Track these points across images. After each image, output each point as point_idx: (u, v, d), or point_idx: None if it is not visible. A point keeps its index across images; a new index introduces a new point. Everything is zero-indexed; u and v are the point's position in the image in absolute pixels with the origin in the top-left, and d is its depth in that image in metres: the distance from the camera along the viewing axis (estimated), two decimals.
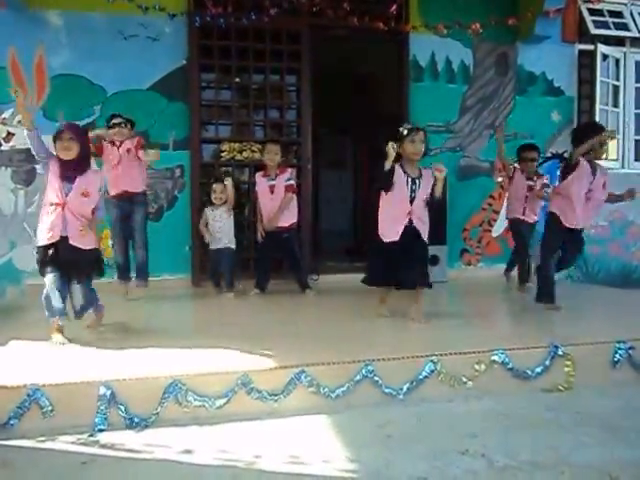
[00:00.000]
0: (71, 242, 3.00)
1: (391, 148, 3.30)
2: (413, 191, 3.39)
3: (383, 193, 3.47)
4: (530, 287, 4.68)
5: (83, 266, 3.08)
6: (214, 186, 4.51)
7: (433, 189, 3.42)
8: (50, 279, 2.98)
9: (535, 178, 4.78)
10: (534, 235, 5.00)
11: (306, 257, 5.17)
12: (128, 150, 4.20)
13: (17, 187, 4.86)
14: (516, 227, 4.90)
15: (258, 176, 4.65)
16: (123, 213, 4.30)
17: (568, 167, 3.83)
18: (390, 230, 3.44)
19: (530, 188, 4.74)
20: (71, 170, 3.01)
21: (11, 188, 4.85)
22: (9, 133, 4.83)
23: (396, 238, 3.40)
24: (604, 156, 3.99)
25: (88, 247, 3.08)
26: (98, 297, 3.28)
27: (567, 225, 3.81)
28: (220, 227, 4.49)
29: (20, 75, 4.82)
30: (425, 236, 3.48)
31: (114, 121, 4.23)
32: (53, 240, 2.98)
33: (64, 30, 4.89)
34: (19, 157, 4.82)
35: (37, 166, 4.75)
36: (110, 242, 4.55)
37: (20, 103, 3.06)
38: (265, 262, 4.78)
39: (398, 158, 3.41)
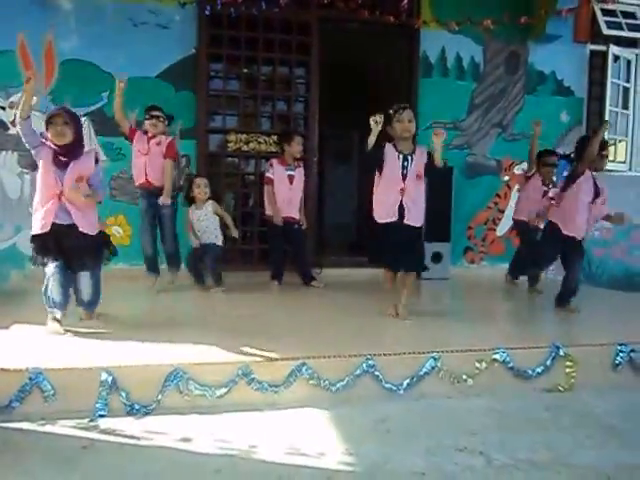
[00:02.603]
0: (75, 227, 2.93)
1: (373, 122, 3.25)
2: (405, 167, 3.36)
3: (377, 174, 3.45)
4: (540, 291, 4.69)
5: (88, 252, 2.99)
6: (197, 180, 4.36)
7: (431, 158, 3.36)
8: (51, 270, 2.90)
9: (550, 186, 4.75)
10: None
11: (310, 251, 5.17)
12: (158, 144, 4.21)
13: (23, 171, 4.87)
14: (522, 229, 4.87)
15: (275, 163, 4.62)
16: (151, 205, 4.27)
17: (572, 177, 3.83)
18: (385, 210, 3.40)
19: (545, 193, 4.71)
20: (65, 156, 2.91)
21: (17, 172, 4.86)
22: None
23: (393, 219, 3.37)
24: (605, 167, 3.95)
25: (92, 232, 3.00)
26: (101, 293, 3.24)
27: (566, 233, 3.79)
28: (206, 226, 4.33)
29: (29, 59, 4.82)
30: (415, 220, 3.39)
31: (152, 112, 4.23)
32: (47, 229, 2.88)
33: (74, 15, 4.88)
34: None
35: None
36: (116, 229, 4.53)
37: (29, 90, 2.86)
38: (280, 253, 4.76)
39: (391, 138, 3.41)
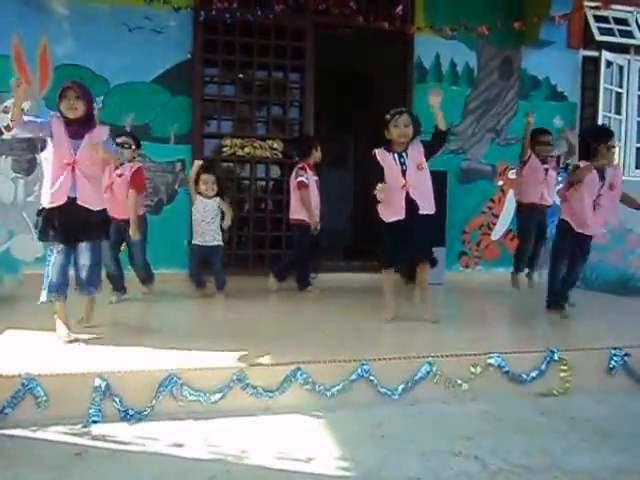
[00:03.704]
0: (80, 202, 2.90)
1: (378, 191, 3.26)
2: (402, 164, 3.39)
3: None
4: (536, 281, 4.71)
5: (91, 229, 2.98)
6: (204, 177, 4.19)
7: (436, 129, 3.39)
8: (54, 255, 2.89)
9: (549, 160, 4.72)
10: (548, 218, 4.92)
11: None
12: (120, 175, 3.92)
13: (17, 176, 4.84)
14: (527, 212, 4.74)
15: (307, 169, 4.58)
16: (117, 231, 3.90)
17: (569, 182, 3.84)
18: (392, 209, 3.40)
19: (547, 171, 4.67)
20: (78, 129, 2.91)
21: (11, 177, 4.83)
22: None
23: (401, 217, 3.37)
24: (613, 161, 3.94)
25: (97, 208, 2.99)
26: (101, 279, 3.23)
27: (578, 231, 3.79)
28: (212, 219, 4.21)
29: (23, 64, 4.81)
30: (427, 208, 3.40)
31: (118, 140, 3.89)
32: (61, 202, 2.87)
33: (68, 20, 4.87)
34: (20, 146, 4.81)
35: (37, 155, 4.74)
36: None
37: (20, 95, 2.79)
38: (306, 258, 4.75)
39: (388, 142, 3.44)
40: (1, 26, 4.73)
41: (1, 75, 4.73)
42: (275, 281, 4.71)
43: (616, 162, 4.02)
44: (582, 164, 3.79)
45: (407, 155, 3.40)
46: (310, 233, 4.59)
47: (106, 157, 3.00)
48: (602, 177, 3.76)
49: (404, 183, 3.37)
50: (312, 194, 4.60)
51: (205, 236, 4.24)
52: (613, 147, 3.91)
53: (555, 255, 3.96)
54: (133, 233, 3.90)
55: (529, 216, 4.77)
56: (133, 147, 4.05)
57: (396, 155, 3.40)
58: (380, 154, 3.44)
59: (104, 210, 3.11)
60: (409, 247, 3.40)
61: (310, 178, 4.59)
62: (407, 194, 3.36)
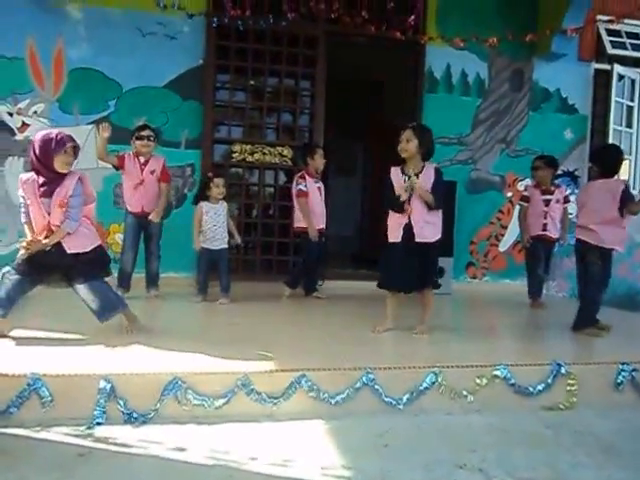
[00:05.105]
0: (63, 245, 2.90)
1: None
2: (411, 189, 3.33)
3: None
4: (543, 303, 4.69)
5: (74, 269, 2.94)
6: (216, 180, 4.24)
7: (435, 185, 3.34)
8: (12, 274, 2.89)
9: (553, 189, 4.73)
10: (553, 253, 4.93)
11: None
12: (152, 172, 4.21)
13: None
14: (532, 246, 4.74)
15: (307, 177, 4.60)
16: (139, 224, 4.26)
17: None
18: (393, 230, 3.41)
19: (548, 202, 4.68)
20: (52, 184, 2.89)
21: None
22: (24, 123, 4.87)
23: (397, 240, 3.37)
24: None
25: (80, 250, 2.94)
26: (121, 297, 3.26)
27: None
28: (222, 223, 4.27)
29: (38, 67, 4.87)
30: (427, 236, 3.35)
31: (143, 133, 4.16)
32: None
33: (83, 24, 4.94)
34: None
35: None
36: (120, 237, 4.53)
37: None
38: (310, 265, 4.76)
39: (404, 160, 3.42)
40: (16, 29, 4.80)
41: (16, 77, 4.81)
42: (286, 288, 4.73)
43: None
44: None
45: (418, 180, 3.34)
46: (313, 240, 4.59)
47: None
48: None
49: (408, 209, 3.34)
50: (313, 202, 4.61)
51: (215, 240, 4.28)
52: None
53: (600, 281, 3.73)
54: (155, 216, 4.19)
55: (532, 252, 4.76)
56: (155, 140, 4.28)
57: (406, 178, 3.34)
58: (394, 173, 3.42)
59: (97, 248, 3.04)
60: (403, 272, 3.36)
61: (310, 186, 4.60)
62: (409, 219, 3.35)
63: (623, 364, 2.91)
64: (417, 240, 3.34)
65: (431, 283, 3.47)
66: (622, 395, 2.88)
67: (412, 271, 3.35)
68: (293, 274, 4.84)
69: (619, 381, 2.88)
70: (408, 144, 3.33)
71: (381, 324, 3.50)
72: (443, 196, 3.43)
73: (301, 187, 4.57)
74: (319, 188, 4.70)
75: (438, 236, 3.42)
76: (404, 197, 3.31)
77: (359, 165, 8.74)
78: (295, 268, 4.94)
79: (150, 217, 4.19)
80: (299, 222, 4.65)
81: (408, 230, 3.35)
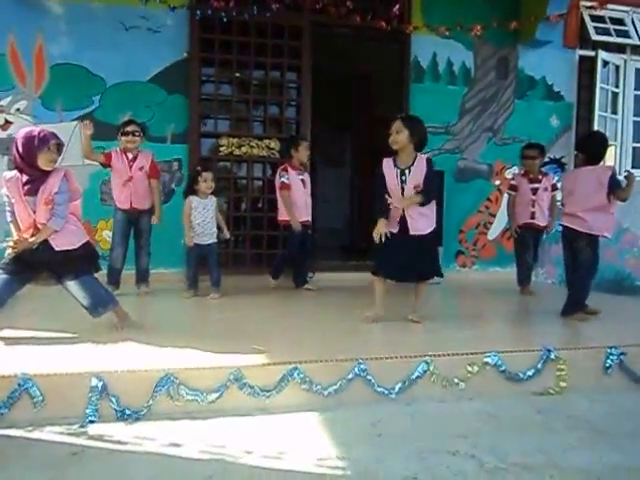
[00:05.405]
0: (51, 242, 2.88)
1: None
2: (403, 182, 3.34)
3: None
4: (533, 290, 4.74)
5: (63, 266, 2.92)
6: (204, 174, 4.19)
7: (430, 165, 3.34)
8: (0, 275, 2.87)
9: (540, 177, 4.76)
10: (541, 242, 4.98)
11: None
12: (141, 168, 4.19)
13: None
14: (520, 234, 4.79)
15: (289, 169, 4.60)
16: (129, 220, 4.26)
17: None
18: (389, 221, 3.40)
19: (536, 191, 4.71)
20: (36, 182, 2.84)
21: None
22: (7, 121, 4.81)
23: (394, 230, 3.38)
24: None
25: (68, 247, 2.92)
26: (111, 294, 3.24)
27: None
28: (211, 218, 4.25)
29: (19, 63, 4.79)
30: (420, 229, 3.36)
31: (128, 128, 4.13)
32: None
33: (64, 19, 4.86)
34: None
35: None
36: (107, 234, 4.51)
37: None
38: (294, 257, 4.76)
39: (397, 152, 3.40)
40: None
41: None
42: (271, 279, 4.78)
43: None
44: None
45: (409, 173, 3.33)
46: (297, 232, 4.58)
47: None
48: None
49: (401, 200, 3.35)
50: (295, 194, 4.60)
51: (205, 235, 4.26)
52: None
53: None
54: (157, 218, 4.28)
55: (520, 241, 4.82)
56: (141, 135, 4.24)
57: (399, 171, 3.34)
58: (386, 165, 3.40)
59: (84, 245, 3.01)
60: (399, 261, 3.37)
61: (293, 178, 4.59)
62: (403, 212, 3.36)
63: (611, 348, 2.94)
64: (411, 233, 3.36)
65: (431, 276, 3.51)
66: (611, 379, 2.92)
67: (408, 261, 3.37)
68: (274, 265, 4.85)
69: (608, 365, 2.92)
70: (398, 135, 3.31)
71: (371, 311, 3.51)
72: (436, 187, 3.44)
73: (283, 179, 4.58)
74: (303, 180, 4.68)
75: (432, 227, 3.44)
76: (377, 240, 3.30)
77: (347, 157, 8.73)
78: (276, 259, 4.93)
79: (152, 221, 4.28)
80: (282, 215, 4.66)
81: (403, 222, 3.36)
